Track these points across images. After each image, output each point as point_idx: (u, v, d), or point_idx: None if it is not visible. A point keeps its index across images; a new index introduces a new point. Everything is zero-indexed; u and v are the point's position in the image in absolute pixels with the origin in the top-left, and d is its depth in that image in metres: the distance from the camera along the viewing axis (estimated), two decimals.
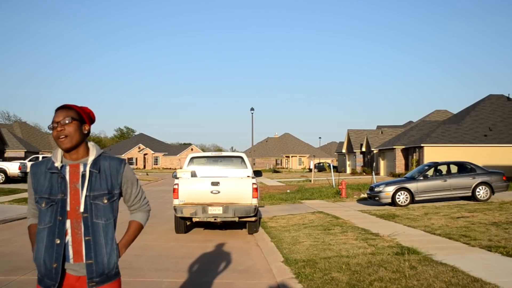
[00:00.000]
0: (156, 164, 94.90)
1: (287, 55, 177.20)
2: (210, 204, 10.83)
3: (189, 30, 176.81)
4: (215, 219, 10.91)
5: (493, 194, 17.23)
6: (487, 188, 17.08)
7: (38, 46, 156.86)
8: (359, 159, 58.39)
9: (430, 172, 17.67)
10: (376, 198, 16.96)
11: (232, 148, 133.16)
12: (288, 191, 25.55)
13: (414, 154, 40.58)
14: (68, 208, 2.60)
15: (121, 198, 2.87)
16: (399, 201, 16.57)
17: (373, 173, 28.42)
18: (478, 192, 17.04)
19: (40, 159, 27.72)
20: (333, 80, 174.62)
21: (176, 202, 10.93)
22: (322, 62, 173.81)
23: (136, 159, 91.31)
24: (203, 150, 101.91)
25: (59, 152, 2.71)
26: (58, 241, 2.57)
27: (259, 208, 13.83)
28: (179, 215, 10.96)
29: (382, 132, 54.82)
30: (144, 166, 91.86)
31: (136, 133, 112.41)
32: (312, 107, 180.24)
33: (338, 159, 73.48)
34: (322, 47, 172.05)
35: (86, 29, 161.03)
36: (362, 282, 6.10)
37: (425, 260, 7.32)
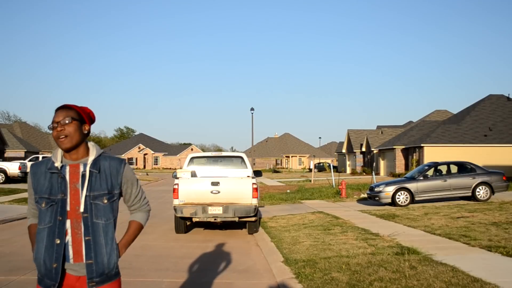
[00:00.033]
0: (156, 164, 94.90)
1: (287, 55, 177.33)
2: (210, 204, 10.83)
3: (189, 30, 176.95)
4: (215, 219, 10.91)
5: (493, 194, 17.23)
6: (487, 188, 17.08)
7: (38, 46, 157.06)
8: (359, 159, 58.39)
9: (430, 172, 17.67)
10: (376, 198, 16.96)
11: (232, 148, 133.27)
12: (288, 191, 25.55)
13: (414, 154, 40.58)
14: (68, 208, 2.60)
15: (121, 198, 2.87)
16: (399, 201, 16.57)
17: (373, 173, 28.42)
18: (478, 192, 17.04)
19: (40, 159, 27.71)
20: (333, 80, 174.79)
21: (176, 202, 10.93)
22: (322, 62, 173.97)
23: (136, 159, 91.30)
24: (203, 150, 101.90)
25: (59, 152, 2.71)
26: (58, 241, 2.57)
27: (259, 208, 13.83)
28: (179, 215, 10.96)
29: (382, 132, 54.82)
30: (144, 166, 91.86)
31: (136, 133, 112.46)
32: (312, 107, 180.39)
33: (338, 159, 73.49)
34: (322, 47, 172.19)
35: (86, 29, 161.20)
36: (362, 282, 6.10)
37: (425, 260, 7.32)
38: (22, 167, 29.04)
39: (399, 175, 36.65)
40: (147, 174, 58.93)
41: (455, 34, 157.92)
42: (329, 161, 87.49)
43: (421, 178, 17.12)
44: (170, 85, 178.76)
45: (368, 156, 55.36)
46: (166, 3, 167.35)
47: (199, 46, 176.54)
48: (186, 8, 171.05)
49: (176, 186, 10.99)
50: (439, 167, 18.01)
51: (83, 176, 2.64)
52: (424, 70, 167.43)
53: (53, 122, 2.63)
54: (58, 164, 2.66)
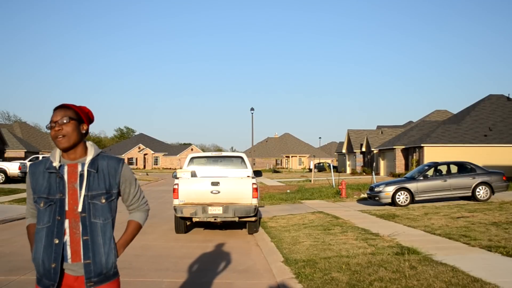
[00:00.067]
0: (156, 164, 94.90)
1: (287, 55, 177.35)
2: (210, 204, 10.83)
3: (189, 30, 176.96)
4: (215, 219, 10.90)
5: (493, 194, 17.23)
6: (487, 188, 17.08)
7: (38, 46, 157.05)
8: (359, 159, 58.39)
9: (430, 172, 17.67)
10: (376, 198, 16.96)
11: (232, 148, 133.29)
12: (288, 191, 25.55)
13: (414, 154, 40.58)
14: (66, 208, 2.60)
15: (120, 198, 2.87)
16: (399, 201, 16.57)
17: (373, 173, 28.42)
18: (478, 192, 17.04)
19: (40, 159, 27.73)
20: (333, 80, 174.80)
21: (176, 202, 10.93)
22: (322, 62, 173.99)
23: (136, 159, 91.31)
24: (203, 150, 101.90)
25: (58, 152, 2.70)
26: (57, 241, 2.56)
27: (259, 208, 13.83)
28: (179, 215, 10.96)
29: (382, 132, 54.82)
30: (144, 166, 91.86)
31: (136, 133, 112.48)
32: (312, 107, 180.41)
33: (338, 159, 73.48)
34: (322, 47, 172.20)
35: (86, 29, 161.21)
36: (362, 282, 6.10)
37: (425, 260, 7.32)
38: (22, 167, 29.05)
39: (399, 175, 36.65)
40: (147, 174, 58.93)
41: (455, 34, 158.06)
42: (329, 161, 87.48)
43: (421, 178, 17.12)
44: (170, 85, 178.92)
45: (368, 156, 55.36)
46: (166, 3, 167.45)
47: (199, 46, 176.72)
48: (186, 8, 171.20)
49: (176, 186, 10.98)
50: (439, 167, 18.00)
51: (81, 175, 2.63)
52: (424, 70, 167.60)
53: (51, 121, 2.63)
54: (56, 164, 2.65)
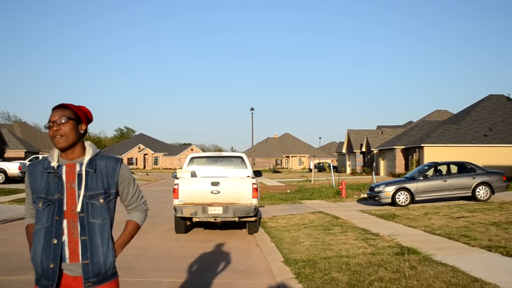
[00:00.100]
0: (156, 164, 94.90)
1: (287, 55, 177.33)
2: (210, 204, 10.83)
3: (189, 31, 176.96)
4: (215, 219, 10.90)
5: (493, 194, 17.23)
6: (487, 188, 17.08)
7: (38, 46, 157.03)
8: (359, 159, 58.39)
9: (430, 172, 17.66)
10: (376, 198, 16.96)
11: (232, 148, 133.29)
12: (288, 191, 25.55)
13: (414, 154, 40.58)
14: (64, 208, 2.59)
15: (119, 198, 2.86)
16: (399, 201, 16.57)
17: (373, 173, 28.43)
18: (478, 192, 17.04)
19: (40, 159, 27.74)
20: (333, 80, 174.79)
21: (176, 202, 10.93)
22: (322, 62, 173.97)
23: (136, 159, 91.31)
24: (203, 150, 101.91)
25: (56, 151, 2.69)
26: (55, 241, 2.56)
27: (259, 208, 13.82)
28: (179, 215, 10.96)
29: (382, 132, 54.82)
30: (144, 166, 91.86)
31: (136, 133, 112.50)
32: (312, 107, 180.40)
33: (338, 159, 73.48)
34: (322, 47, 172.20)
35: (86, 29, 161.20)
36: (362, 282, 6.09)
37: (425, 260, 7.32)
38: (22, 167, 29.05)
39: (399, 175, 36.65)
40: (147, 174, 58.94)
41: (455, 34, 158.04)
42: (329, 161, 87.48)
43: (421, 178, 17.12)
44: (170, 85, 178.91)
45: (368, 156, 55.36)
46: (166, 4, 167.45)
47: (199, 46, 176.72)
48: (186, 8, 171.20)
49: (176, 186, 10.98)
50: (439, 167, 18.00)
51: (80, 175, 2.63)
52: (424, 70, 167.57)
53: (49, 121, 2.62)
54: (54, 163, 2.64)
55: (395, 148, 44.59)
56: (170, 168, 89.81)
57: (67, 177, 2.63)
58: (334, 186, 25.89)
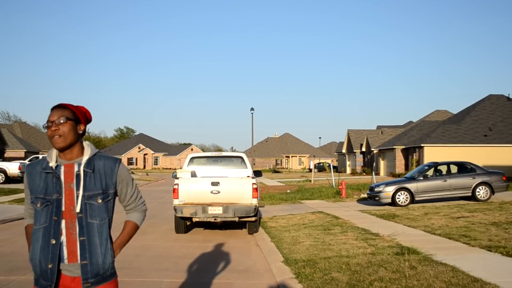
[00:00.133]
0: (156, 164, 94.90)
1: (287, 55, 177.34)
2: (210, 204, 10.83)
3: (189, 31, 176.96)
4: (215, 219, 10.90)
5: (493, 194, 17.23)
6: (487, 188, 17.08)
7: (38, 46, 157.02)
8: (359, 159, 58.38)
9: (430, 172, 17.66)
10: (376, 198, 16.96)
11: (232, 148, 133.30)
12: (288, 191, 25.54)
13: (414, 154, 40.58)
14: (63, 208, 2.59)
15: (117, 198, 2.85)
16: (399, 201, 16.57)
17: (373, 173, 28.43)
18: (478, 192, 17.04)
19: (40, 159, 27.75)
20: (333, 80, 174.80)
21: (176, 202, 10.93)
22: (322, 62, 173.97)
23: (136, 159, 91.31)
24: (203, 150, 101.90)
25: (54, 152, 2.69)
26: (54, 242, 2.55)
27: (259, 208, 13.82)
28: (179, 215, 10.96)
29: (382, 132, 54.82)
30: (144, 166, 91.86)
31: (136, 133, 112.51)
32: (312, 107, 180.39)
33: (338, 159, 73.47)
34: (322, 47, 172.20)
35: (86, 29, 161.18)
36: (362, 282, 6.09)
37: (425, 260, 7.31)
38: (22, 167, 29.04)
39: (399, 175, 36.64)
40: (147, 174, 58.94)
41: (455, 34, 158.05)
42: (329, 161, 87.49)
43: (421, 178, 17.12)
44: (170, 85, 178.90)
45: (368, 156, 55.36)
46: (166, 4, 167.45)
47: (199, 46, 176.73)
48: (186, 8, 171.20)
49: (176, 186, 10.98)
50: (439, 167, 18.00)
51: (78, 176, 2.62)
52: (424, 70, 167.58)
53: (48, 121, 2.61)
54: (52, 164, 2.64)
55: (395, 148, 44.59)
56: (170, 168, 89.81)
57: (65, 177, 2.62)
58: (334, 186, 25.88)
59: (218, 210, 10.82)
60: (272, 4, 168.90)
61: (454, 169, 18.09)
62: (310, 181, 35.54)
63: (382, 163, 50.48)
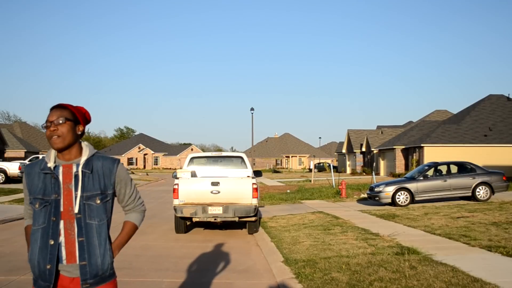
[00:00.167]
0: (156, 164, 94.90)
1: (287, 55, 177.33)
2: (210, 204, 10.83)
3: (189, 31, 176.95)
4: (215, 219, 10.90)
5: (493, 194, 17.22)
6: (487, 188, 17.08)
7: (38, 46, 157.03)
8: (359, 159, 58.38)
9: (430, 172, 17.66)
10: (376, 198, 16.96)
11: (232, 148, 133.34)
12: (288, 191, 25.54)
13: (414, 154, 40.58)
14: (61, 209, 2.58)
15: (116, 199, 2.84)
16: (399, 201, 16.57)
17: (373, 173, 28.42)
18: (478, 192, 17.03)
19: (40, 159, 27.76)
20: (333, 80, 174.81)
21: (176, 202, 10.93)
22: (322, 62, 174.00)
23: (136, 159, 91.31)
24: (203, 150, 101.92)
25: (53, 152, 2.68)
26: (52, 242, 2.55)
27: (259, 208, 13.82)
28: (179, 215, 10.96)
29: (382, 132, 54.82)
30: (144, 166, 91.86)
31: (136, 133, 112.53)
32: (312, 107, 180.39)
33: (338, 159, 73.47)
34: (322, 47, 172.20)
35: (86, 29, 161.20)
36: (362, 282, 6.09)
37: (425, 260, 7.31)
38: (22, 167, 28.91)
39: (399, 175, 36.64)
40: (147, 174, 58.95)
41: (455, 34, 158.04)
42: (329, 161, 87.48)
43: (421, 178, 17.12)
44: (170, 85, 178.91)
45: (368, 156, 55.35)
46: (166, 4, 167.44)
47: (199, 46, 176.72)
48: (186, 8, 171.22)
49: (176, 186, 10.98)
50: (439, 167, 18.00)
51: (76, 176, 2.61)
52: (424, 70, 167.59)
53: (47, 121, 2.60)
54: (51, 164, 2.63)
55: (395, 148, 44.59)
56: (170, 168, 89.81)
57: (63, 178, 2.61)
58: (334, 186, 25.88)
59: (218, 210, 10.82)
60: (272, 4, 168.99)
61: (454, 169, 18.09)
62: (310, 181, 35.54)
63: (382, 163, 50.48)
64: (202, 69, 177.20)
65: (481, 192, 17.04)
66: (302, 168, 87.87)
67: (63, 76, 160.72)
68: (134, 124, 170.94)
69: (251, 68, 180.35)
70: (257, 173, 11.91)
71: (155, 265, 7.88)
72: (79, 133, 2.67)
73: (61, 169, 2.63)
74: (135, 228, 2.86)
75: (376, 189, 17.15)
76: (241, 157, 12.23)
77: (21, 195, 20.80)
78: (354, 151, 58.95)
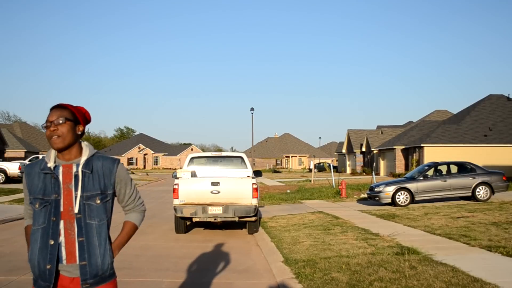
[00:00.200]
0: (156, 164, 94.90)
1: (287, 55, 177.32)
2: (210, 204, 10.83)
3: (189, 31, 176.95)
4: (215, 219, 10.90)
5: (493, 194, 17.22)
6: (487, 188, 17.08)
7: (38, 46, 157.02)
8: (359, 159, 58.38)
9: (430, 172, 17.66)
10: (376, 198, 16.96)
11: (232, 148, 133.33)
12: (288, 191, 25.54)
13: (414, 154, 40.58)
14: (61, 209, 2.58)
15: (116, 199, 2.84)
16: (399, 201, 16.57)
17: (373, 173, 28.42)
18: (478, 192, 17.04)
19: (40, 159, 27.76)
20: (333, 80, 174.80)
21: (176, 202, 10.93)
22: (322, 63, 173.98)
23: (136, 159, 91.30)
24: (203, 150, 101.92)
25: (53, 152, 2.68)
26: (52, 242, 2.55)
27: (259, 208, 13.82)
28: (179, 215, 10.96)
29: (382, 132, 54.82)
30: (144, 166, 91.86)
31: (136, 133, 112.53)
32: (312, 107, 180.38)
33: (338, 159, 73.47)
34: (322, 47, 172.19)
35: (86, 29, 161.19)
36: (362, 282, 6.09)
37: (425, 260, 7.31)
38: (22, 167, 28.92)
39: (399, 175, 36.64)
40: (147, 174, 58.95)
41: (455, 34, 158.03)
42: (329, 161, 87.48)
43: (421, 178, 17.12)
44: (170, 85, 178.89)
45: (368, 156, 55.35)
46: (166, 4, 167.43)
47: (199, 46, 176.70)
48: (186, 8, 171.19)
49: (176, 186, 10.98)
50: (439, 167, 18.00)
51: (76, 176, 2.61)
52: (424, 70, 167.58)
53: (47, 121, 2.60)
54: (51, 164, 2.63)
55: (395, 148, 44.59)
56: (170, 168, 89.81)
57: (63, 178, 2.61)
58: (334, 186, 25.88)
59: (218, 210, 10.82)
60: (272, 4, 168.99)
61: (454, 169, 18.09)
62: (310, 181, 35.54)
63: (382, 163, 50.48)
64: (202, 69, 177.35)
65: (481, 192, 17.04)
66: (302, 168, 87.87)
67: (63, 76, 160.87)
68: (134, 124, 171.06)
69: (251, 68, 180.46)
70: (257, 173, 11.91)
71: (155, 265, 7.88)
72: (79, 133, 2.67)
73: (61, 169, 2.63)
74: (135, 228, 2.86)
75: (376, 189, 17.15)
76: (241, 157, 12.23)
77: (21, 195, 20.80)
78: (354, 151, 58.95)
